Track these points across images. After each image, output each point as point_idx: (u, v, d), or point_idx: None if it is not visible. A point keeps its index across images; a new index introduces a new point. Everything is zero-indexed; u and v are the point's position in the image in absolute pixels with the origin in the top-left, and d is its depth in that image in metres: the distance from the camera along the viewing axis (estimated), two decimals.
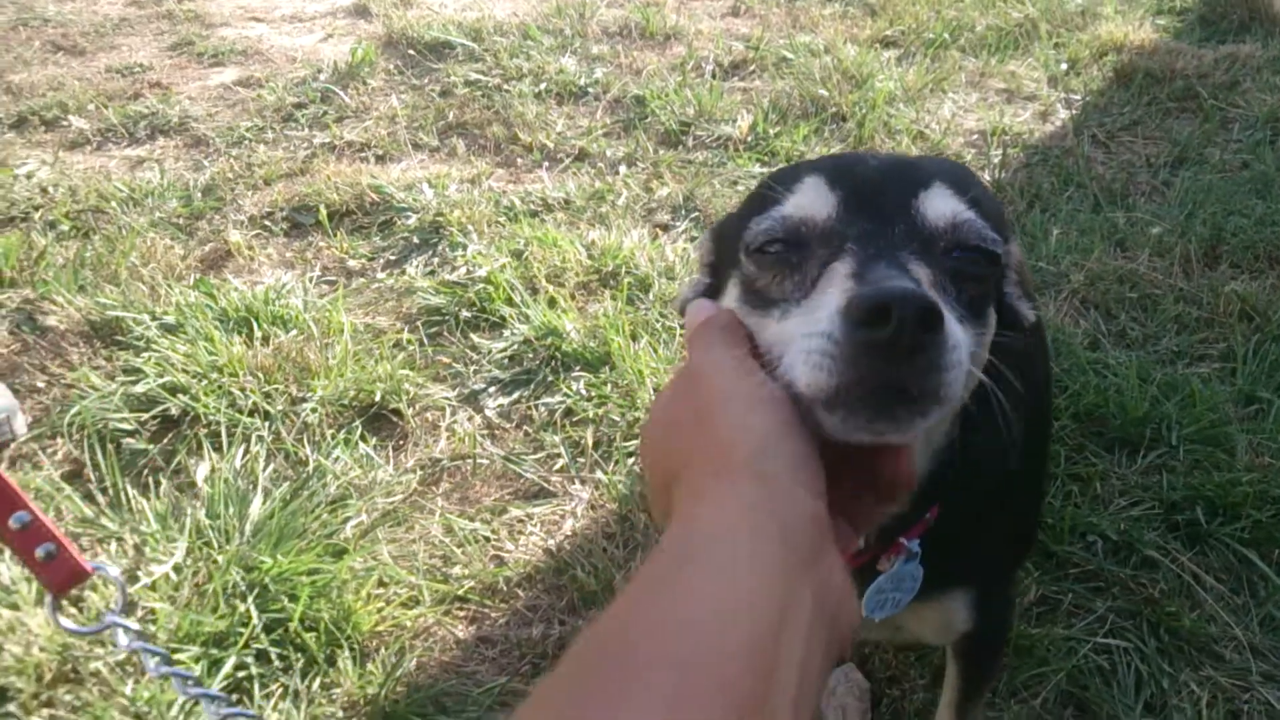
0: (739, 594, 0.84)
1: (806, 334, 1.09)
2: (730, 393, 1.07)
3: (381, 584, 2.81)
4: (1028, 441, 1.93)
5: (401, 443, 3.33)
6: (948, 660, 2.24)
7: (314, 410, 3.33)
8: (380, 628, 2.69)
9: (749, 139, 5.24)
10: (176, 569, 2.75)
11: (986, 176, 4.89)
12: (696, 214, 4.60)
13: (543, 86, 5.80)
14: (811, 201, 1.30)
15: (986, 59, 6.33)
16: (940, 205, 1.29)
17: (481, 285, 3.96)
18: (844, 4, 7.37)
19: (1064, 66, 6.21)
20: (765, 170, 4.89)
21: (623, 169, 5.01)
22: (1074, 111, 5.64)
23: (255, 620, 2.59)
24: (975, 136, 5.37)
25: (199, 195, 4.71)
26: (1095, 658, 2.66)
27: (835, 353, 1.04)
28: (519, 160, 5.12)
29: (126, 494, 3.02)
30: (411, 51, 6.19)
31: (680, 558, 0.89)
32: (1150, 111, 5.58)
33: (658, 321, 3.79)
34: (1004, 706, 2.57)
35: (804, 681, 0.83)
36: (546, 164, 5.06)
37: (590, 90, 5.82)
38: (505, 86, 5.79)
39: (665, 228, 4.53)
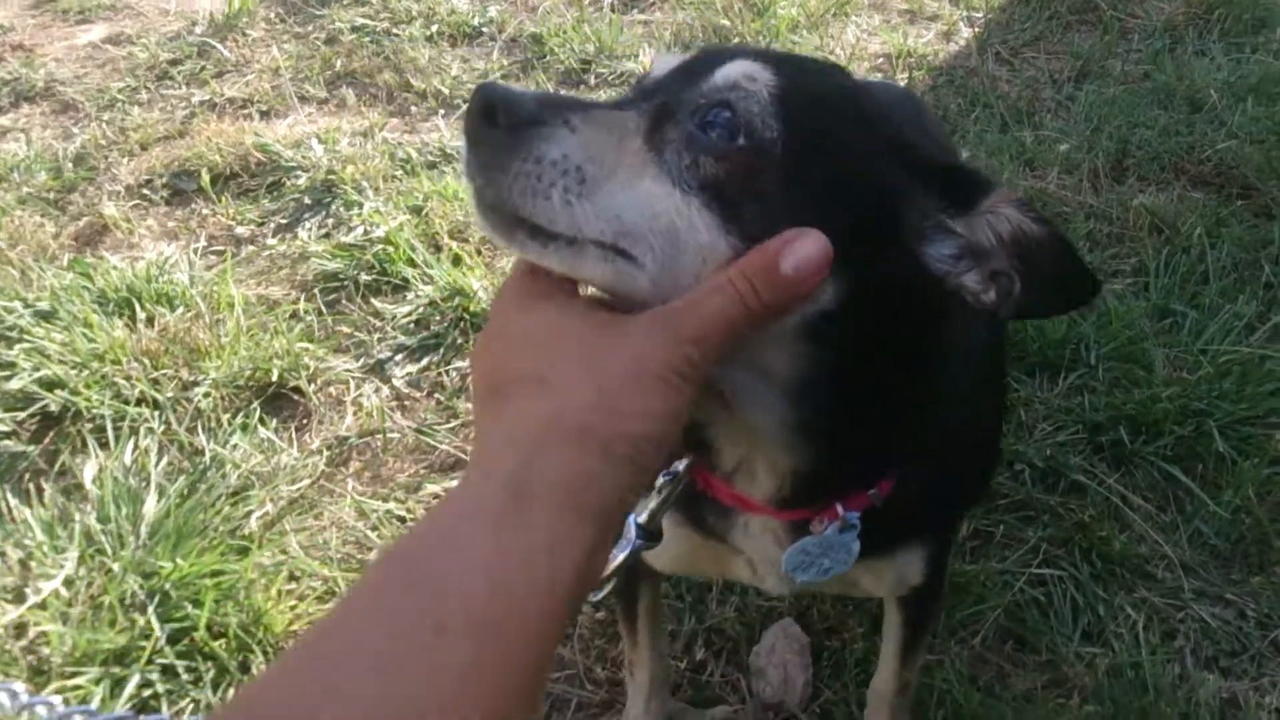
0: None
1: None
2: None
3: (293, 579, 2.62)
4: (981, 401, 1.85)
5: (305, 422, 3.13)
6: (888, 609, 2.17)
7: (207, 395, 3.11)
8: (295, 626, 2.51)
9: None
10: (68, 582, 2.53)
11: None
12: None
13: (434, 29, 5.52)
14: (663, 63, 1.34)
15: None
16: (731, 69, 1.21)
17: (380, 246, 3.74)
18: None
19: None
20: None
21: None
22: (977, 29, 5.53)
23: (158, 632, 2.39)
24: (881, 60, 5.23)
25: (70, 166, 4.39)
26: (1031, 590, 2.65)
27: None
28: (413, 109, 4.87)
29: (7, 502, 2.78)
30: None
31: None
32: (1051, 26, 5.50)
33: None
34: (944, 647, 2.53)
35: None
36: (443, 111, 4.81)
37: (485, 30, 5.55)
38: (394, 30, 5.49)
39: None
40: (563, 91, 4.92)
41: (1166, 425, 3.00)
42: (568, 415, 0.97)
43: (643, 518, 1.38)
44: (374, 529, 2.77)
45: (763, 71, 1.19)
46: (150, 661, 2.35)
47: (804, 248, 1.07)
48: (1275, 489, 2.85)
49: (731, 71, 1.19)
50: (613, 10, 5.75)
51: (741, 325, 1.05)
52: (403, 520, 2.81)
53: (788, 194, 1.14)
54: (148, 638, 2.38)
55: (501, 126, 1.09)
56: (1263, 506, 2.81)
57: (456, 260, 3.68)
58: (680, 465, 1.42)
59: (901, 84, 4.86)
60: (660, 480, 1.41)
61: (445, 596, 0.86)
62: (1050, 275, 1.20)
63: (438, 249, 3.75)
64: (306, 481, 2.90)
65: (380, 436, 3.07)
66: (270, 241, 3.91)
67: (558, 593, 0.90)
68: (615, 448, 0.97)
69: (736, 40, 5.31)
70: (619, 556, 1.35)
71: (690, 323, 1.03)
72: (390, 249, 3.71)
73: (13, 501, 2.78)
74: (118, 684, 2.31)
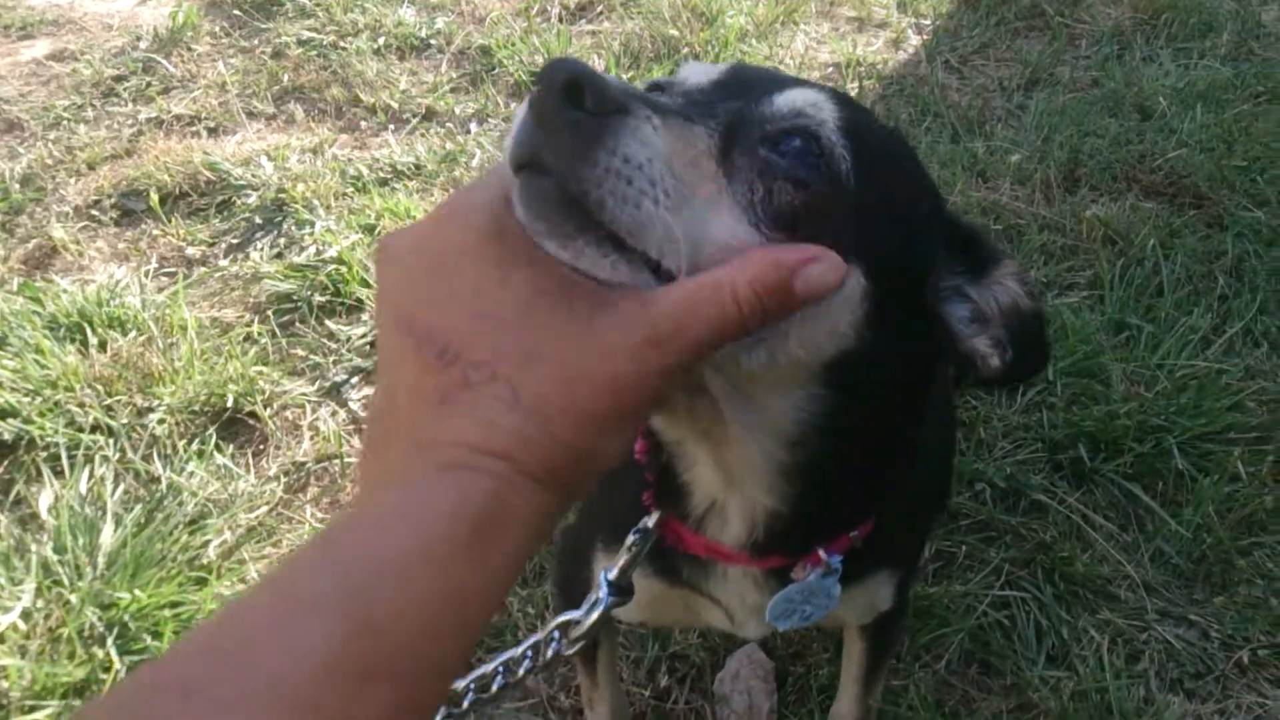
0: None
1: None
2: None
3: None
4: (942, 432, 1.89)
5: (262, 448, 3.13)
6: (849, 634, 2.20)
7: (161, 421, 3.10)
8: None
9: None
10: (25, 615, 2.52)
11: None
12: None
13: (381, 41, 5.51)
14: (697, 72, 1.23)
15: None
16: (797, 95, 1.15)
17: (333, 266, 3.74)
18: None
19: None
20: None
21: (474, 127, 4.80)
22: (925, 37, 5.59)
23: (117, 664, 2.39)
24: (830, 69, 5.27)
25: (16, 187, 4.34)
26: (994, 613, 2.65)
27: (515, 125, 0.97)
28: (363, 123, 4.86)
29: None
30: (237, 11, 5.81)
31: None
32: (1000, 33, 5.56)
33: None
34: (908, 672, 2.55)
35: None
36: (393, 126, 4.82)
37: (433, 42, 5.55)
38: (341, 44, 5.48)
39: None
40: (513, 105, 4.94)
41: (1126, 442, 3.01)
42: (538, 446, 0.85)
43: (613, 574, 1.38)
44: None
45: (826, 102, 1.15)
46: None
47: (822, 272, 0.99)
48: (1236, 507, 2.87)
49: (796, 99, 1.14)
50: (560, 21, 5.76)
51: (730, 339, 0.95)
52: None
53: (854, 231, 1.10)
54: (108, 670, 2.39)
55: (587, 110, 0.93)
56: (1224, 525, 2.83)
57: None
58: (650, 521, 1.42)
59: (853, 91, 4.90)
60: (630, 538, 1.41)
61: (380, 637, 0.75)
62: (1030, 346, 1.25)
63: None
64: (264, 509, 2.90)
65: (338, 461, 3.07)
66: (222, 262, 3.90)
67: (475, 631, 0.82)
68: (578, 487, 0.89)
69: (686, 51, 5.34)
70: (591, 616, 1.35)
71: (683, 339, 0.91)
72: (343, 269, 3.71)
73: None
74: None
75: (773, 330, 1.03)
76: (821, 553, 1.45)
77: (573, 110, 0.92)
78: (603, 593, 1.36)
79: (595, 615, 1.34)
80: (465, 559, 0.79)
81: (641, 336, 0.89)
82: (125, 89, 5.10)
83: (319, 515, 2.91)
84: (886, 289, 1.13)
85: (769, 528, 1.38)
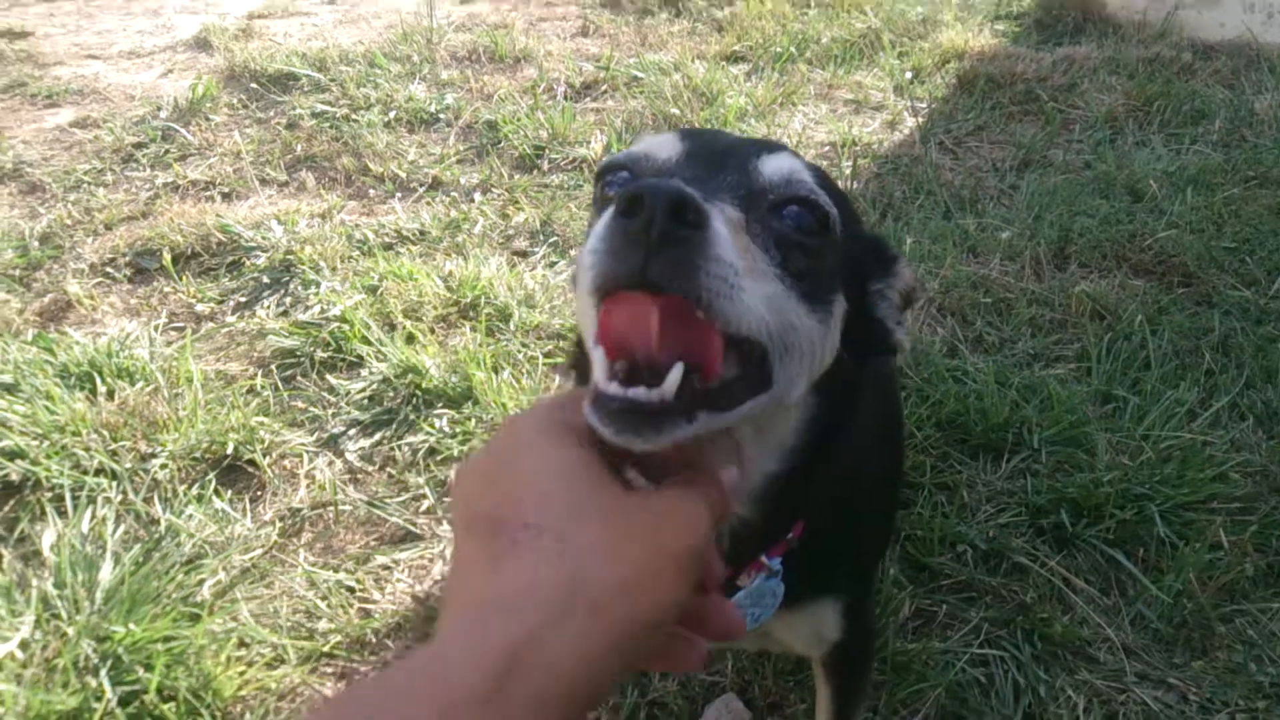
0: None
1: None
2: (524, 446, 1.00)
3: (243, 645, 2.70)
4: (884, 444, 1.97)
5: (259, 494, 3.22)
6: (818, 681, 2.23)
7: (164, 466, 3.20)
8: (243, 691, 2.58)
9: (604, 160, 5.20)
10: (23, 645, 2.60)
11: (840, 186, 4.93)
12: (555, 239, 4.57)
13: (392, 115, 5.71)
14: (659, 145, 1.34)
15: (833, 70, 6.43)
16: (779, 163, 1.30)
17: (336, 324, 3.86)
18: (691, 21, 7.43)
19: (908, 75, 6.35)
20: None
21: (478, 196, 4.95)
22: (921, 119, 5.75)
23: (109, 694, 2.46)
24: (827, 148, 5.43)
25: (36, 244, 4.51)
26: (972, 670, 2.66)
27: (601, 246, 1.04)
28: (371, 191, 5.03)
29: None
30: (255, 85, 6.04)
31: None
32: (994, 116, 5.73)
33: (520, 352, 3.74)
34: None
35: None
36: (399, 194, 4.98)
37: (441, 116, 5.75)
38: (354, 116, 5.68)
39: (524, 254, 4.49)
40: (517, 176, 5.10)
41: (1108, 509, 3.04)
42: (586, 587, 0.85)
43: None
44: (323, 598, 2.85)
45: (802, 167, 1.32)
46: None
47: (733, 479, 1.12)
48: (1217, 574, 2.88)
49: (783, 167, 1.29)
50: (565, 98, 5.96)
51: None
52: (351, 590, 2.89)
53: (840, 271, 1.32)
54: (99, 699, 2.45)
55: (691, 224, 1.02)
56: (1204, 591, 2.84)
57: (410, 338, 3.81)
58: None
59: (847, 169, 5.06)
60: None
61: None
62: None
63: (392, 327, 3.88)
64: (259, 551, 2.98)
65: (332, 509, 3.16)
66: (229, 319, 4.02)
67: None
68: (625, 633, 0.87)
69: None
70: None
71: (709, 515, 0.98)
72: (346, 327, 3.83)
73: None
74: None
75: (786, 375, 1.20)
76: (763, 558, 1.55)
77: (681, 228, 1.01)
78: None
79: None
80: (484, 703, 0.76)
81: (685, 527, 0.96)
82: (144, 155, 5.29)
83: (311, 559, 2.99)
84: (854, 304, 1.35)
85: (737, 539, 1.49)
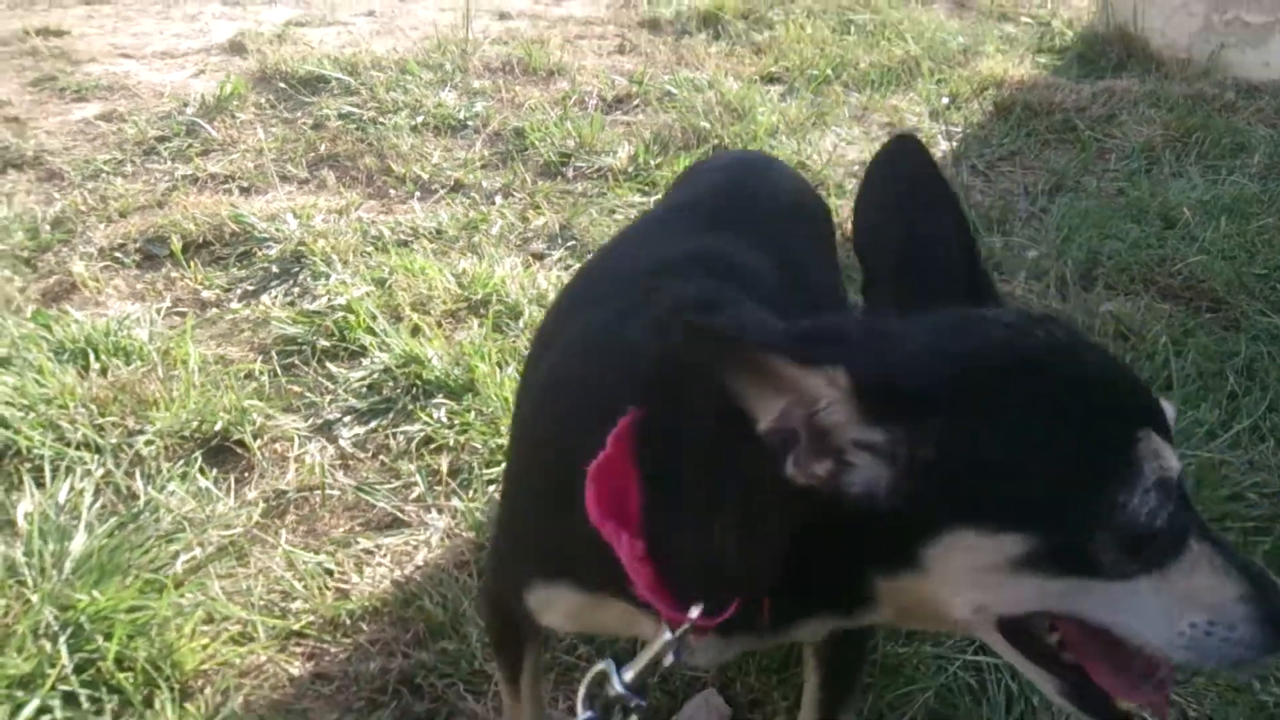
0: None
1: (1193, 620, 1.21)
2: None
3: (210, 621, 2.59)
4: None
5: (246, 475, 3.13)
6: (808, 670, 2.12)
7: (149, 443, 3.11)
8: (206, 666, 2.48)
9: (629, 169, 5.14)
10: None
11: None
12: (573, 242, 4.48)
13: (420, 119, 5.66)
14: (1169, 463, 1.23)
15: (869, 94, 6.33)
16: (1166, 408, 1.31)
17: (341, 314, 3.78)
18: (730, 43, 7.36)
19: (945, 101, 6.24)
20: (645, 201, 4.79)
21: (499, 199, 4.88)
22: (954, 143, 5.65)
23: (65, 660, 2.36)
24: (856, 168, 5.32)
25: (47, 228, 4.46)
26: (964, 675, 2.54)
27: (1242, 643, 1.20)
28: (392, 192, 4.97)
29: None
30: (284, 85, 6.01)
31: None
32: (1029, 143, 5.62)
33: (526, 348, 3.64)
34: None
35: None
36: (419, 194, 4.91)
37: (470, 123, 5.69)
38: (380, 119, 5.63)
39: (540, 256, 4.40)
40: (540, 182, 5.02)
41: None
42: None
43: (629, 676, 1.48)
44: (300, 580, 2.74)
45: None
46: (54, 688, 2.32)
47: None
48: None
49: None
50: (596, 110, 5.89)
51: None
52: (330, 573, 2.78)
53: None
54: (54, 665, 2.35)
55: None
56: None
57: (415, 330, 3.71)
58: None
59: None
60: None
61: None
62: None
63: (398, 319, 3.79)
64: (239, 530, 2.88)
65: (319, 492, 3.06)
66: (234, 305, 3.95)
67: None
68: None
69: (716, 142, 5.41)
70: None
71: None
72: (350, 316, 3.74)
73: None
74: (18, 707, 2.28)
75: None
76: None
77: None
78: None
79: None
80: None
81: None
82: (166, 149, 5.26)
83: (292, 540, 2.88)
84: None
85: None
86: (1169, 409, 1.30)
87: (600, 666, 1.53)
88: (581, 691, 1.56)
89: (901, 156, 1.52)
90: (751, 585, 1.36)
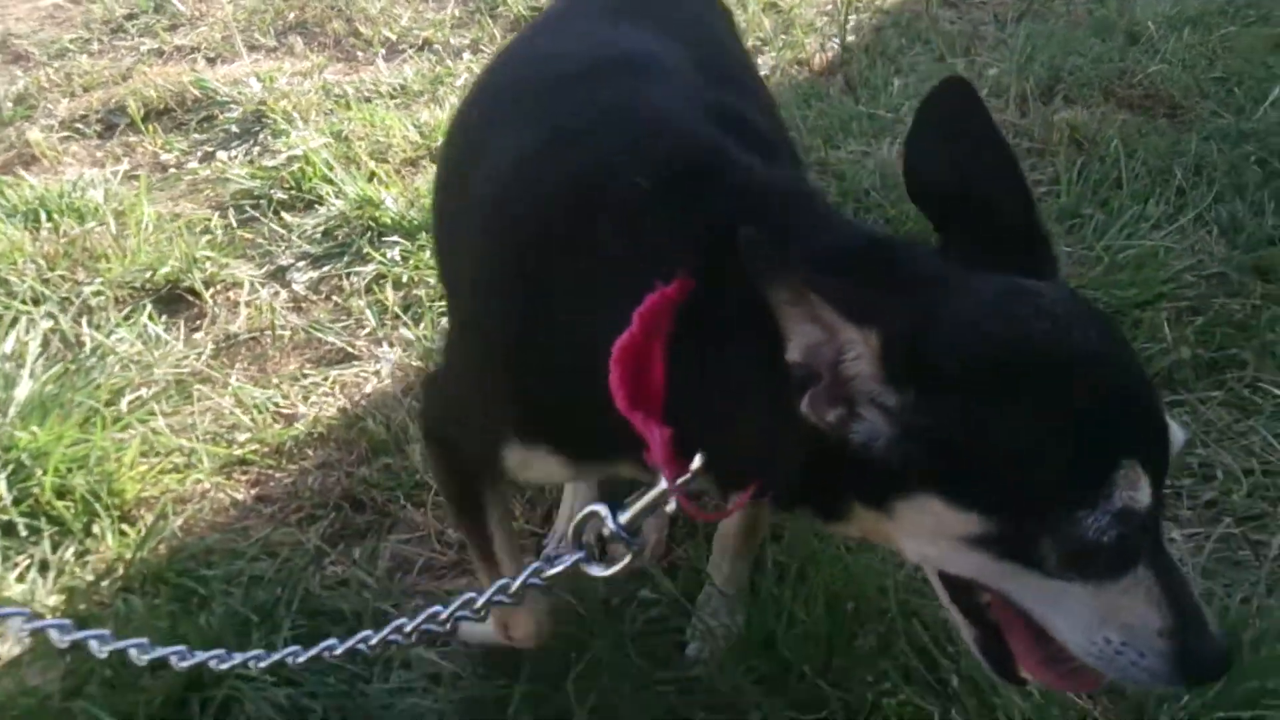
0: None
1: (1109, 636, 1.27)
2: None
3: (155, 453, 2.59)
4: None
5: (198, 322, 3.12)
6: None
7: (97, 293, 3.10)
8: (147, 494, 2.48)
9: None
10: None
11: (835, 43, 4.69)
12: None
13: None
14: (1140, 497, 1.24)
15: None
16: (1175, 435, 1.32)
17: (299, 165, 3.73)
18: None
19: None
20: None
21: (466, 55, 4.78)
22: None
23: (3, 494, 2.37)
24: (829, 5, 5.17)
25: (10, 105, 4.42)
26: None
27: (1147, 671, 1.28)
28: (360, 54, 4.88)
29: None
30: None
31: None
32: None
33: None
34: None
35: None
36: (386, 54, 4.82)
37: None
38: None
39: None
40: (509, 37, 4.91)
41: None
42: None
43: (624, 518, 1.46)
44: (248, 413, 2.73)
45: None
46: None
47: None
48: (1153, 363, 2.75)
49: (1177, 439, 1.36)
50: None
51: None
52: (278, 406, 2.77)
53: None
54: None
55: None
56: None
57: (372, 177, 3.66)
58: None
59: (850, 25, 4.81)
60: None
61: None
62: None
63: (357, 167, 3.74)
64: (186, 370, 2.87)
65: (270, 333, 3.04)
66: (193, 165, 3.91)
67: None
68: None
69: None
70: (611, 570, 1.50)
71: None
72: (307, 167, 3.70)
73: None
74: None
75: None
76: None
77: None
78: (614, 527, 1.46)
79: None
80: None
81: None
82: (134, 25, 5.18)
83: (243, 378, 2.87)
84: None
85: None
86: (1179, 435, 1.32)
87: (594, 508, 1.49)
88: (569, 530, 1.52)
89: (952, 99, 1.45)
90: (768, 481, 1.40)
